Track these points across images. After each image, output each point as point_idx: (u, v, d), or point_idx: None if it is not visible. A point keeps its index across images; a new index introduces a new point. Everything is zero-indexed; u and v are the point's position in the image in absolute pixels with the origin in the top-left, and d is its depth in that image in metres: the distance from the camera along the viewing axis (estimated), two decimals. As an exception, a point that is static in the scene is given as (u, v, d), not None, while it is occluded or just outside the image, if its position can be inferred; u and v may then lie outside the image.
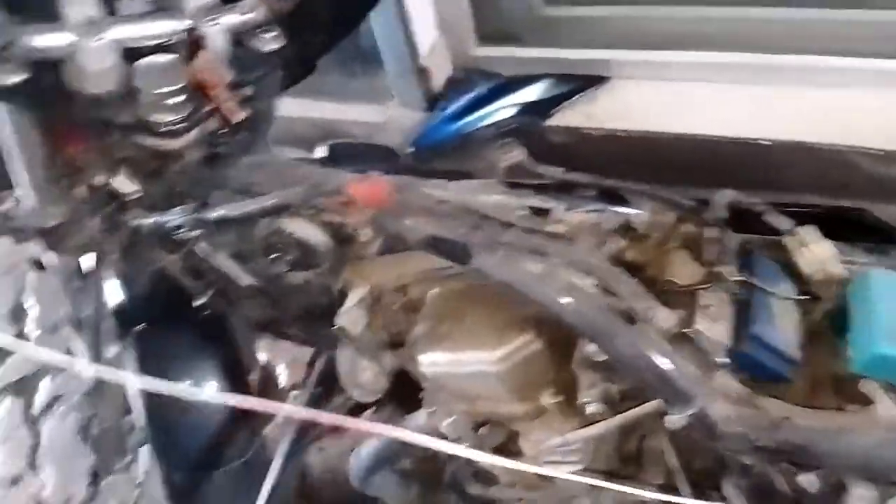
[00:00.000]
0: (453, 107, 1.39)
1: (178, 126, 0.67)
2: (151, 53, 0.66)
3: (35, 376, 2.24)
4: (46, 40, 0.61)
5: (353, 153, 0.97)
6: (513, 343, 0.73)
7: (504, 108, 1.42)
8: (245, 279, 0.81)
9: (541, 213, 0.71)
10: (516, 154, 0.88)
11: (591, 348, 0.69)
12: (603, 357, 0.67)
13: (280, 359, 1.84)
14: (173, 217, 0.73)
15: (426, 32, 1.44)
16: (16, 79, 0.64)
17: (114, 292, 0.96)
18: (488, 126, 1.36)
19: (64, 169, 0.75)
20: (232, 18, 0.67)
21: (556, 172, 0.83)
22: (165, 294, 0.93)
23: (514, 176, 0.84)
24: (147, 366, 0.99)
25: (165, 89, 0.64)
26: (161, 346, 0.99)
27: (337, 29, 0.83)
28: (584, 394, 0.72)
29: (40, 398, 2.21)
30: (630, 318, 0.62)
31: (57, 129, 0.73)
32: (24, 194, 0.76)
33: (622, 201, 0.74)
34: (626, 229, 0.70)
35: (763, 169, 1.11)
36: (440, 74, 1.53)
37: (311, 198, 0.67)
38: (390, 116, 1.33)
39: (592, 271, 0.64)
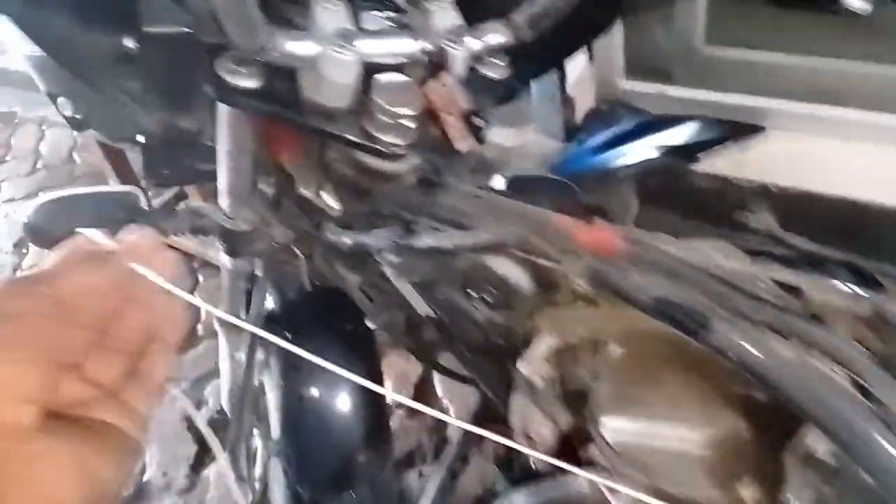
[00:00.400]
0: (595, 139, 1.34)
1: (402, 148, 0.62)
2: (390, 71, 0.62)
3: None
4: (299, 47, 0.57)
5: (530, 186, 0.92)
6: (722, 425, 0.66)
7: (648, 147, 1.36)
8: (423, 308, 0.77)
9: (788, 287, 0.64)
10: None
11: (814, 444, 0.61)
12: (828, 457, 0.60)
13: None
14: (375, 239, 0.69)
15: (575, 60, 1.39)
16: (256, 83, 0.61)
17: (272, 298, 0.94)
18: (630, 165, 1.30)
19: (272, 177, 0.72)
20: (475, 43, 0.62)
21: (803, 243, 0.75)
22: (322, 307, 0.90)
23: (757, 240, 0.77)
24: (289, 374, 0.97)
25: (399, 110, 0.60)
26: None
27: (553, 59, 0.78)
28: (794, 492, 0.64)
29: None
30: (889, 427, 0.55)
31: (273, 137, 0.70)
32: (222, 195, 0.73)
33: (876, 284, 0.66)
34: (881, 319, 0.62)
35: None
36: (583, 104, 1.47)
37: (528, 238, 0.62)
38: (527, 142, 1.29)
39: (850, 365, 0.56)
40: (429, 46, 0.61)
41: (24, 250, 2.78)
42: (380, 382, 1.04)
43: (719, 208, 1.45)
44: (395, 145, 0.63)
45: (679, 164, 1.34)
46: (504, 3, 0.67)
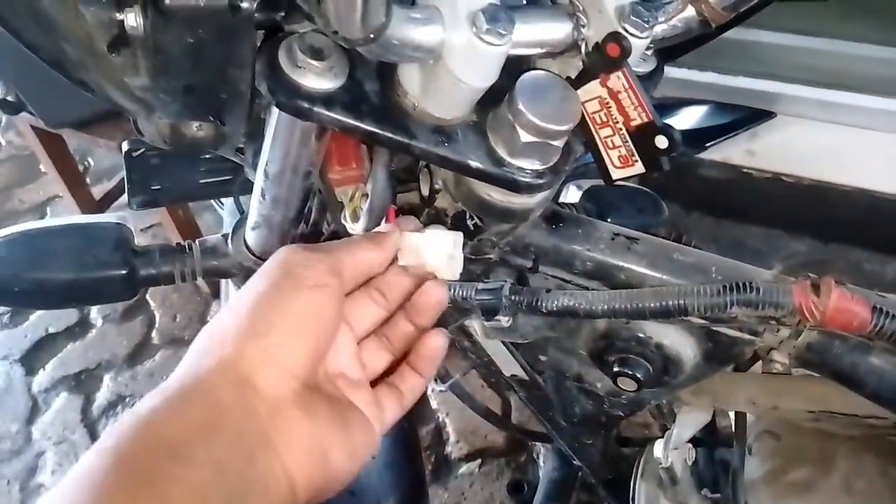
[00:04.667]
0: (599, 124, 1.18)
1: (542, 178, 0.44)
2: (537, 68, 0.43)
3: (98, 369, 1.96)
4: (428, 34, 0.37)
5: (612, 200, 0.75)
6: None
7: None
8: (510, 368, 0.59)
9: None
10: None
11: None
12: None
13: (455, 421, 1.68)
14: (476, 293, 0.51)
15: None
16: (336, 82, 0.41)
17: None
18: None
19: (329, 208, 0.52)
20: (664, 28, 0.44)
21: None
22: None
23: None
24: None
25: (551, 125, 0.41)
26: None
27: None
28: None
29: (102, 397, 1.92)
30: None
31: (342, 157, 0.49)
32: (255, 227, 0.53)
33: None
34: None
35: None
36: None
37: (723, 307, 0.45)
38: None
39: None
40: (597, 32, 0.43)
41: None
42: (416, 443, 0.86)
43: (728, 199, 1.34)
44: (537, 173, 0.44)
45: (687, 151, 1.21)
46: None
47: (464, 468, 1.67)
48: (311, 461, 0.38)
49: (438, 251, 0.48)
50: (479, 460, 1.68)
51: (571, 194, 0.90)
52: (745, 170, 1.28)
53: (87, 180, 2.27)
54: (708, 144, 1.22)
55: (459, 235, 0.49)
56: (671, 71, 1.32)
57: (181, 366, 0.39)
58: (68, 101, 1.39)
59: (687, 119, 1.22)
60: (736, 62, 1.32)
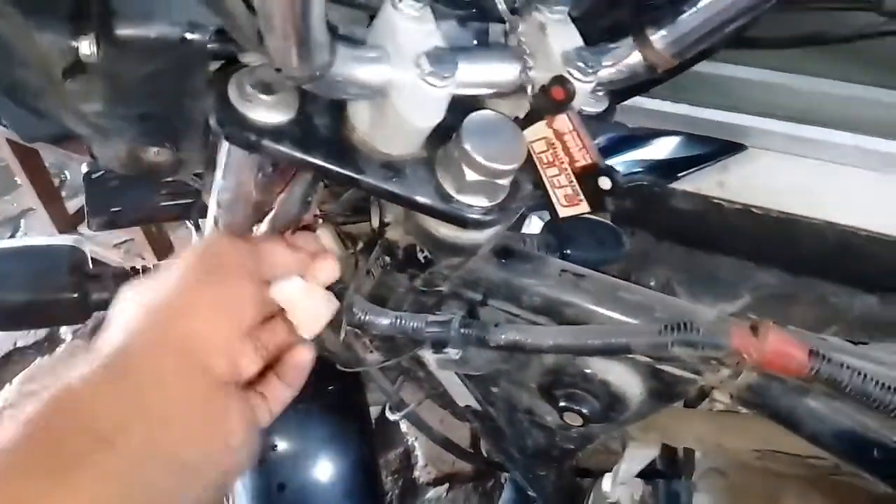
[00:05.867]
0: (570, 154, 1.19)
1: (489, 215, 0.45)
2: (482, 108, 0.44)
3: None
4: (373, 73, 0.38)
5: (572, 233, 0.75)
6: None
7: (626, 163, 1.24)
8: (466, 399, 0.59)
9: None
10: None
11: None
12: None
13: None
14: (426, 325, 0.51)
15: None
16: (285, 116, 0.41)
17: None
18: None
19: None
20: (609, 72, 0.45)
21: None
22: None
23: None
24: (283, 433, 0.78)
25: (495, 164, 0.42)
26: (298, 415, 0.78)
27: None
28: None
29: None
30: None
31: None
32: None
33: None
34: None
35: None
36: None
37: (663, 347, 0.46)
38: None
39: None
40: (543, 75, 0.44)
41: None
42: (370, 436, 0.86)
43: (699, 230, 1.36)
44: (484, 210, 0.45)
45: (658, 181, 1.22)
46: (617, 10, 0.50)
47: (431, 493, 1.67)
48: (243, 437, 0.41)
49: (310, 308, 0.49)
50: (446, 485, 1.68)
51: (534, 225, 0.90)
52: (715, 201, 1.29)
53: (63, 194, 2.25)
54: (679, 175, 1.23)
55: (335, 305, 0.50)
56: (644, 101, 1.34)
57: (111, 338, 0.40)
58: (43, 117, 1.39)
59: (659, 150, 1.23)
60: (708, 95, 1.35)
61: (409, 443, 1.76)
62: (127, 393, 0.37)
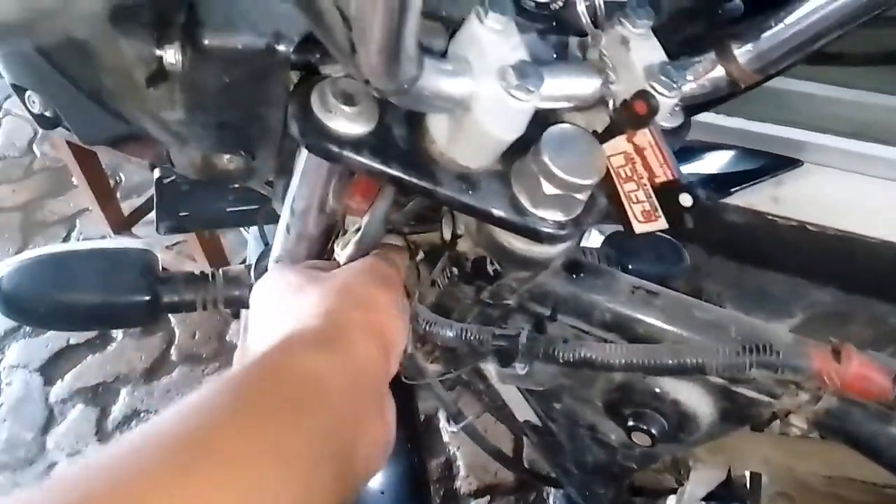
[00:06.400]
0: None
1: (564, 229, 0.44)
2: (562, 122, 0.44)
3: (116, 383, 1.98)
4: (457, 86, 0.38)
5: (633, 247, 0.74)
6: None
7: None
8: (524, 414, 0.59)
9: None
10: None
11: None
12: None
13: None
14: (501, 337, 0.51)
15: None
16: (365, 127, 0.41)
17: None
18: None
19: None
20: (692, 87, 0.45)
21: None
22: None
23: None
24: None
25: (575, 178, 0.42)
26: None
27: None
28: None
29: (118, 410, 1.93)
30: None
31: (365, 197, 0.50)
32: (278, 260, 0.53)
33: None
34: None
35: None
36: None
37: (741, 368, 0.45)
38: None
39: None
40: (625, 88, 0.43)
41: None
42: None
43: (751, 245, 1.33)
44: (559, 224, 0.44)
45: (711, 195, 1.19)
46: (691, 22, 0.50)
47: (472, 504, 1.66)
48: (388, 427, 0.42)
49: None
50: (487, 497, 1.66)
51: (593, 238, 0.90)
52: (769, 216, 1.27)
53: (118, 195, 2.31)
54: (733, 190, 1.21)
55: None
56: (698, 115, 1.32)
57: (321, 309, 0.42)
58: (104, 120, 1.42)
59: (713, 163, 1.22)
60: (763, 109, 1.32)
61: (451, 452, 1.75)
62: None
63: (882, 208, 1.20)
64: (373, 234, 0.51)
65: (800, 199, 1.23)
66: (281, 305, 0.45)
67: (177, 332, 2.12)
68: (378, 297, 0.45)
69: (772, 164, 1.19)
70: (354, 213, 0.53)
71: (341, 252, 0.52)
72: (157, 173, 0.61)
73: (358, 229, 0.51)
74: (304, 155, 0.47)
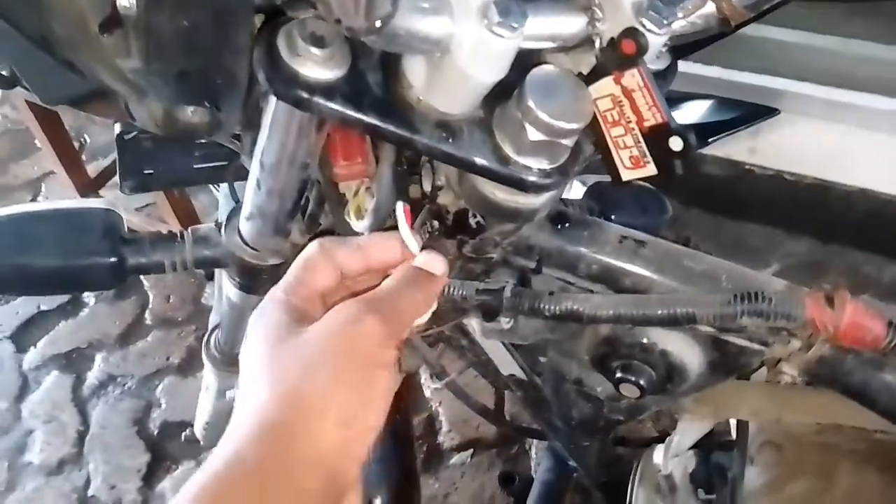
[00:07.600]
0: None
1: (550, 178, 0.42)
2: (546, 63, 0.41)
3: (90, 349, 1.94)
4: (435, 25, 0.35)
5: (616, 198, 0.73)
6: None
7: None
8: (511, 368, 0.58)
9: None
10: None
11: None
12: None
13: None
14: (484, 291, 0.49)
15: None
16: (337, 72, 0.39)
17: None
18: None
19: (325, 200, 0.50)
20: (682, 25, 0.42)
21: None
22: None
23: None
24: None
25: (561, 122, 0.40)
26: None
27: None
28: None
29: (93, 376, 1.90)
30: None
31: (343, 149, 0.47)
32: (249, 217, 0.51)
33: None
34: None
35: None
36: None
37: (732, 317, 0.44)
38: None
39: None
40: (612, 27, 0.41)
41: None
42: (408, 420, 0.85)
43: (728, 196, 1.33)
44: (545, 173, 0.42)
45: (700, 141, 1.18)
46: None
47: (455, 458, 1.67)
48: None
49: None
50: (470, 451, 1.68)
51: (575, 190, 0.88)
52: (746, 167, 1.26)
53: (83, 157, 2.24)
54: (710, 140, 1.20)
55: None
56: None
57: (253, 434, 0.37)
58: (64, 78, 1.36)
59: (689, 114, 1.19)
60: (741, 57, 1.30)
61: (434, 408, 1.76)
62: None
63: (859, 156, 1.20)
64: (385, 201, 0.48)
65: (777, 148, 1.22)
66: (256, 375, 0.40)
67: (150, 295, 2.09)
68: (352, 403, 0.39)
69: (749, 113, 1.18)
70: (344, 179, 0.50)
71: (359, 223, 0.49)
72: (117, 129, 0.58)
73: (369, 193, 0.49)
74: (272, 104, 0.45)
